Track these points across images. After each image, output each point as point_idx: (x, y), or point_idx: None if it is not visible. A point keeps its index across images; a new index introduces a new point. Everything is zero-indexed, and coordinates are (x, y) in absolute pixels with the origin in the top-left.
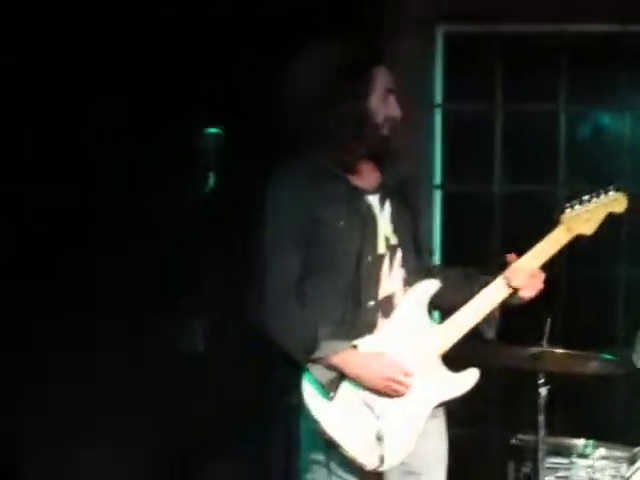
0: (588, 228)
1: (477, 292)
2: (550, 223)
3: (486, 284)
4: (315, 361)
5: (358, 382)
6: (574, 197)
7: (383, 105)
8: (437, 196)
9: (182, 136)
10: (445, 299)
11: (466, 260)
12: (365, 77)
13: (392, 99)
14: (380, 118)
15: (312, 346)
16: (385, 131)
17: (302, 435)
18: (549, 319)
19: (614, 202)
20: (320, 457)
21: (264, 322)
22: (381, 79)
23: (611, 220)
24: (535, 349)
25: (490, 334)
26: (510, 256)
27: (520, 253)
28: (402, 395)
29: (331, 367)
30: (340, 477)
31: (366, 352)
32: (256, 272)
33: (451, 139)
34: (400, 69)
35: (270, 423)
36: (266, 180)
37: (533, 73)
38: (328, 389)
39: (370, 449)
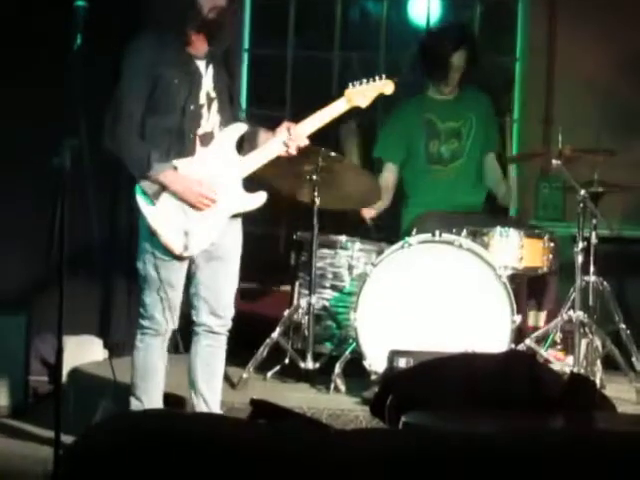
0: (363, 102)
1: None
2: (326, 82)
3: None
4: (147, 177)
5: (176, 195)
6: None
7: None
8: (245, 58)
9: (56, 7)
10: (245, 145)
11: (265, 106)
12: None
13: None
14: (206, 8)
15: (146, 166)
16: (211, 16)
17: (140, 229)
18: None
19: (385, 85)
20: (149, 244)
21: (114, 146)
22: None
23: None
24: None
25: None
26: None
27: (304, 107)
28: (208, 208)
29: (157, 182)
30: (161, 258)
31: (185, 174)
32: (113, 109)
33: (257, 14)
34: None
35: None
36: (125, 44)
37: None
38: (152, 197)
39: (179, 240)
